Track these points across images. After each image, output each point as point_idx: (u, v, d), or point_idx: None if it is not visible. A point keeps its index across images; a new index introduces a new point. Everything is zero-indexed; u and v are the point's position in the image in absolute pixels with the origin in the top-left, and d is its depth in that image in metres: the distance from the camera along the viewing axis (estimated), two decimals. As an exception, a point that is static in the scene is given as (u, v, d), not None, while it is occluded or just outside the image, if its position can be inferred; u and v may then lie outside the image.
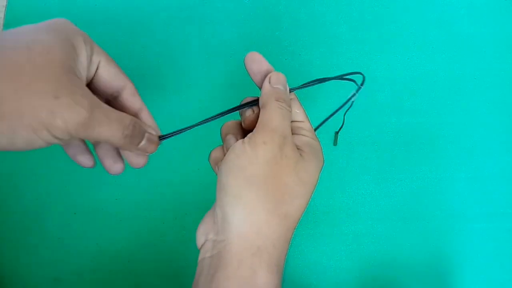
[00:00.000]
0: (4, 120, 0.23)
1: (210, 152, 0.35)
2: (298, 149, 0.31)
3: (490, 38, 0.58)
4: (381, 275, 0.53)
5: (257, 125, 0.30)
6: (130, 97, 0.32)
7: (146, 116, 0.32)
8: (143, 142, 0.30)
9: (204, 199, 0.54)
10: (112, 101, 0.32)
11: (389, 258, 0.54)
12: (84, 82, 0.28)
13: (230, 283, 0.27)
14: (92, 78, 0.30)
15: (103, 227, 0.53)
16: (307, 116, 0.33)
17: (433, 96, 0.56)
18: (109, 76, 0.30)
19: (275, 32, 0.57)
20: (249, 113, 0.33)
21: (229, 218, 0.28)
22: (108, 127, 0.27)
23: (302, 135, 0.32)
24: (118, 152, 0.33)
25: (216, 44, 0.56)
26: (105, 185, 0.54)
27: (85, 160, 0.32)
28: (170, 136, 0.33)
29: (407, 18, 0.58)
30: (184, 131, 0.34)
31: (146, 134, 0.31)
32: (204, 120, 0.35)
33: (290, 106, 0.32)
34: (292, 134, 0.31)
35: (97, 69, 0.29)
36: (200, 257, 0.30)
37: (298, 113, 0.33)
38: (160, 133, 0.33)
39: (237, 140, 0.32)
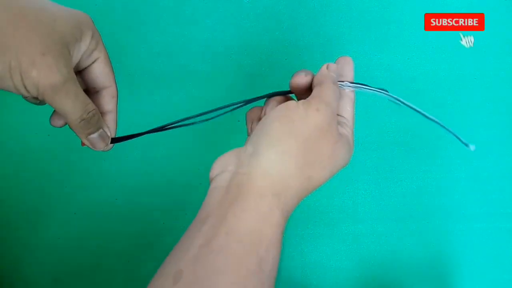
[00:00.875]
0: None
1: (249, 110, 0.36)
2: (342, 134, 0.33)
3: (490, 38, 0.58)
4: (381, 275, 0.53)
5: (311, 96, 0.32)
6: (108, 98, 0.34)
7: (111, 119, 0.34)
8: (94, 135, 0.32)
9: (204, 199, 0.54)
10: (91, 93, 0.34)
11: (389, 258, 0.54)
12: (72, 61, 0.30)
13: (247, 214, 0.27)
14: (85, 68, 0.32)
15: (103, 227, 0.53)
16: (354, 117, 0.35)
17: (433, 96, 0.56)
18: (101, 73, 0.32)
19: (275, 32, 0.57)
20: (301, 76, 0.35)
21: (260, 154, 0.30)
22: (72, 103, 0.29)
23: (345, 130, 0.34)
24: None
25: (216, 44, 0.56)
26: (105, 186, 0.54)
27: (55, 120, 0.34)
28: (124, 139, 0.35)
29: (407, 18, 0.58)
30: (140, 135, 0.36)
31: (100, 130, 0.33)
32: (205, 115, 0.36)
33: (339, 95, 0.34)
34: (341, 126, 0.33)
35: (93, 62, 0.32)
36: (213, 185, 0.31)
37: (348, 110, 0.35)
38: (114, 136, 0.35)
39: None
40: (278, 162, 0.29)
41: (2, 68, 0.26)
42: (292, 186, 0.29)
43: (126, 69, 0.55)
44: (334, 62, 0.38)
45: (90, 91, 0.34)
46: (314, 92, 0.32)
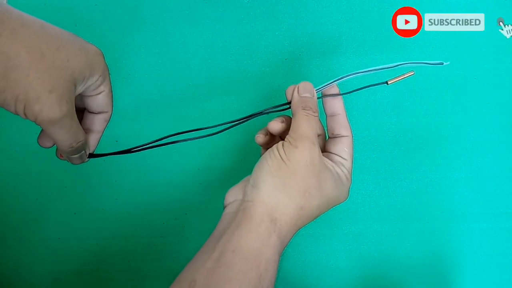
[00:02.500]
0: (5, 77, 0.28)
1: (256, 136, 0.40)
2: (329, 168, 0.36)
3: (490, 38, 0.58)
4: (381, 275, 0.53)
5: (290, 130, 0.36)
6: (100, 120, 0.37)
7: (95, 138, 0.37)
8: (75, 156, 0.36)
9: (204, 199, 0.54)
10: (85, 111, 0.37)
11: (389, 258, 0.54)
12: (76, 93, 0.32)
13: (251, 235, 0.33)
14: (89, 96, 0.35)
15: (103, 227, 0.53)
16: (352, 156, 0.39)
17: (433, 96, 0.56)
18: (102, 103, 0.35)
19: (275, 32, 0.57)
20: (277, 123, 0.39)
21: (259, 186, 0.35)
22: (65, 134, 0.32)
23: (340, 168, 0.37)
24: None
25: (216, 44, 0.56)
26: (105, 186, 0.54)
27: (44, 142, 0.37)
28: (100, 155, 0.38)
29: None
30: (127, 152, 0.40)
31: (82, 152, 0.36)
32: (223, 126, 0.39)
33: (316, 111, 0.37)
34: (335, 164, 0.37)
35: (97, 94, 0.35)
36: (226, 211, 0.37)
37: (346, 151, 0.38)
38: (92, 152, 0.38)
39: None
40: (271, 193, 0.34)
41: (10, 98, 0.28)
42: (286, 214, 0.34)
43: (126, 69, 0.55)
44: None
45: (86, 110, 0.37)
46: (292, 125, 0.36)
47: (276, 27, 0.57)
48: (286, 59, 0.57)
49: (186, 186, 0.54)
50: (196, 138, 0.39)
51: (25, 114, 0.29)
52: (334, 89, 0.39)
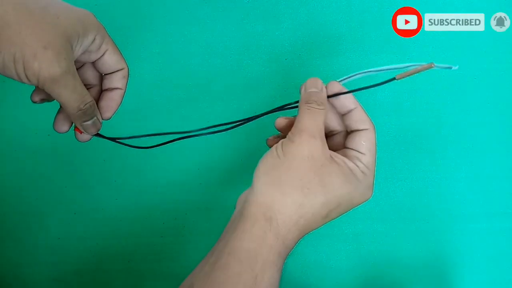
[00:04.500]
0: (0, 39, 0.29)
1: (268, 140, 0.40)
2: (337, 162, 0.34)
3: (490, 38, 0.58)
4: (381, 275, 0.53)
5: (292, 127, 0.35)
6: (119, 77, 0.37)
7: (118, 94, 0.37)
8: (88, 122, 0.35)
9: (204, 199, 0.54)
10: (106, 76, 0.37)
11: (389, 258, 0.54)
12: (74, 55, 0.32)
13: (246, 236, 0.32)
14: (97, 60, 0.35)
15: (103, 227, 0.53)
16: (372, 150, 0.36)
17: (433, 96, 0.56)
18: (111, 61, 0.36)
19: (275, 32, 0.57)
20: (282, 120, 0.38)
21: (254, 186, 0.34)
22: (70, 94, 0.32)
23: (354, 163, 0.34)
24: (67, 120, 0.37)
25: (216, 44, 0.56)
26: (105, 186, 0.54)
27: (61, 126, 0.36)
28: (106, 138, 0.38)
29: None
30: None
31: (94, 118, 0.35)
32: (236, 122, 0.38)
33: (322, 105, 0.35)
34: (348, 159, 0.34)
35: (103, 55, 0.35)
36: (232, 215, 0.36)
37: (363, 145, 0.35)
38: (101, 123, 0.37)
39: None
40: (265, 191, 0.33)
41: (8, 59, 0.29)
42: (282, 212, 0.32)
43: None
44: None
45: (106, 74, 0.37)
46: (294, 121, 0.35)
47: (276, 27, 0.57)
48: (286, 59, 0.57)
49: (186, 186, 0.54)
50: (210, 133, 0.38)
51: (26, 76, 0.30)
52: (337, 89, 0.37)
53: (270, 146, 0.38)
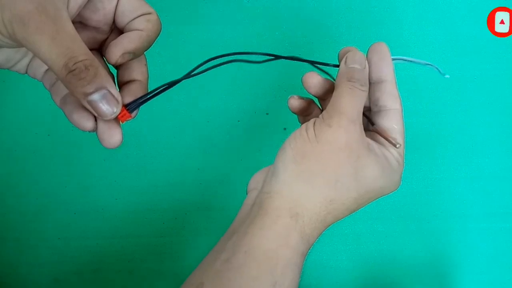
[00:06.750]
0: None
1: (291, 100, 0.35)
2: (376, 152, 0.30)
3: (490, 38, 0.58)
4: (381, 275, 0.53)
5: (328, 105, 0.30)
6: (147, 26, 0.30)
7: (142, 63, 0.31)
8: (94, 96, 0.25)
9: (204, 199, 0.54)
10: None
11: (389, 258, 0.54)
12: (64, 5, 0.25)
13: (266, 233, 0.27)
14: (115, 12, 0.29)
15: (103, 227, 0.53)
16: (403, 134, 0.32)
17: (433, 96, 0.56)
18: (132, 6, 0.29)
19: (275, 32, 0.57)
20: (312, 76, 0.34)
21: (278, 175, 0.29)
22: (49, 44, 0.23)
23: (388, 150, 0.31)
24: (88, 112, 0.28)
25: (216, 44, 0.56)
26: (105, 185, 0.54)
27: (82, 119, 0.27)
28: (141, 100, 0.31)
29: (407, 18, 0.58)
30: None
31: (103, 90, 0.25)
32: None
33: (365, 85, 0.30)
34: (380, 145, 0.31)
35: (117, 2, 0.28)
36: (244, 201, 0.31)
37: (395, 128, 0.31)
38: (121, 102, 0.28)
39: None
40: (292, 183, 0.28)
41: None
42: (310, 209, 0.28)
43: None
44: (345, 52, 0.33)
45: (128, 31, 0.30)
46: (331, 99, 0.30)
47: (276, 27, 0.57)
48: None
49: (186, 186, 0.54)
50: (237, 61, 0.34)
51: (2, 20, 0.23)
52: (384, 49, 0.32)
53: (294, 109, 0.34)
